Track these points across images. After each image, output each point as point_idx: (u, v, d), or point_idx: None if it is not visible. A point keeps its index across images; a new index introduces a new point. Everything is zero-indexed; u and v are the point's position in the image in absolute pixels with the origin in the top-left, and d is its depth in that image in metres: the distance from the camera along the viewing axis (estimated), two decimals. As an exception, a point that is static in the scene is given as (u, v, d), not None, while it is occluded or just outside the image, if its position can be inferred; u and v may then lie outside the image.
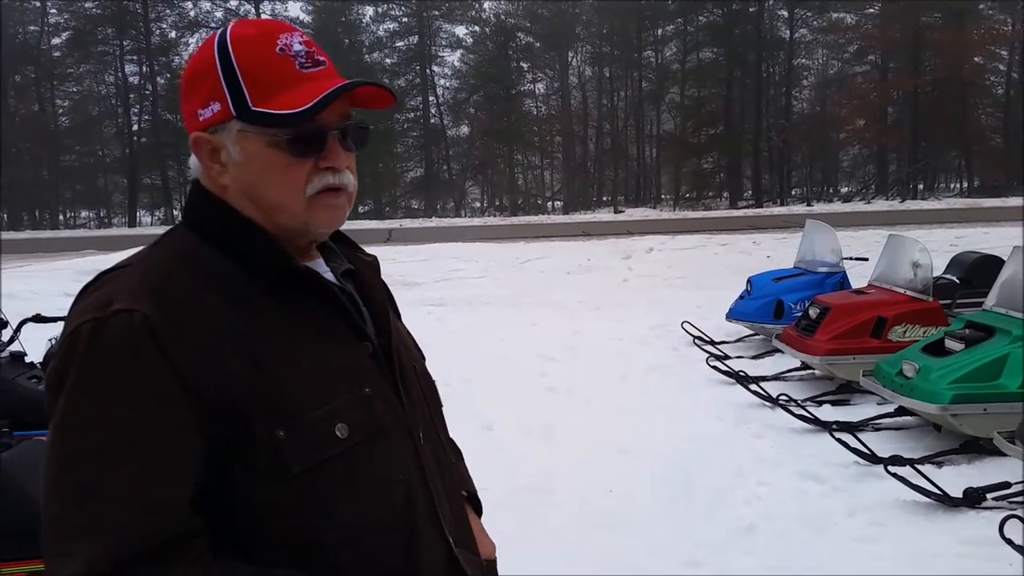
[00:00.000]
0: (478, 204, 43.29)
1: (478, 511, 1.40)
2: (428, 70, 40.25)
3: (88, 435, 0.94)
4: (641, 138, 42.09)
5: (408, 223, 31.98)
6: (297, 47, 1.08)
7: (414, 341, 1.37)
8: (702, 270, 14.23)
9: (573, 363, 7.66)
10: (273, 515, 1.00)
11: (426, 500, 1.14)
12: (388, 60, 39.66)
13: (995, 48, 36.81)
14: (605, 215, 33.07)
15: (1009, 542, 3.14)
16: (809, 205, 32.75)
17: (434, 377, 1.36)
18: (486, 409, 5.60)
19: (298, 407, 1.02)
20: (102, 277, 1.07)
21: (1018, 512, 3.69)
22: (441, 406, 1.36)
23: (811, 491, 4.36)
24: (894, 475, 4.02)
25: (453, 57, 41.45)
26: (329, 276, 1.17)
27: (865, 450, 4.61)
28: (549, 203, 41.08)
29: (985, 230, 17.05)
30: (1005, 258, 5.49)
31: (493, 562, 1.34)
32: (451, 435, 1.39)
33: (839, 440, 4.62)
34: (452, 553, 1.16)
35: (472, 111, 41.47)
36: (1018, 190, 34.15)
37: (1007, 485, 4.00)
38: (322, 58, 1.10)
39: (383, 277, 1.32)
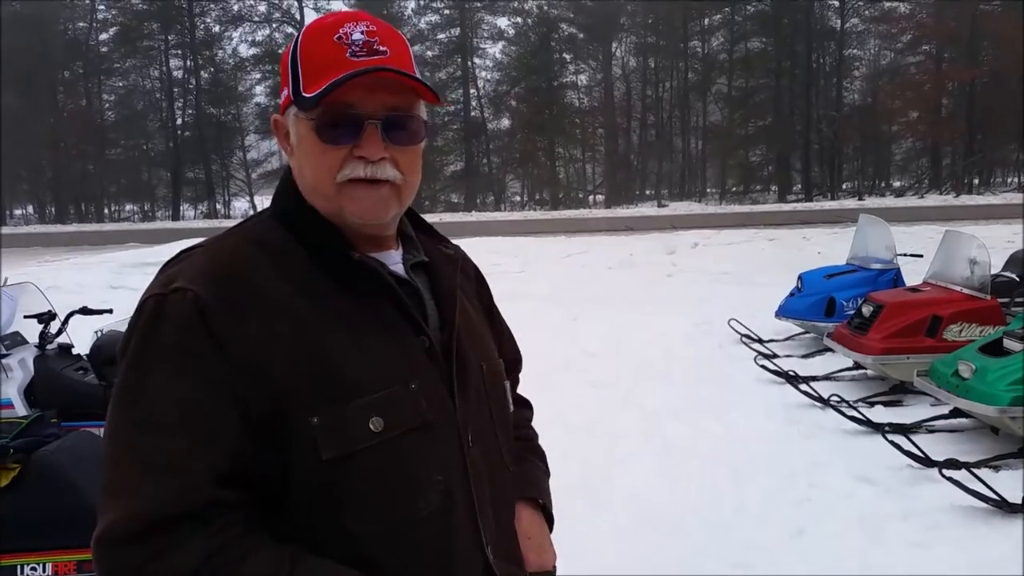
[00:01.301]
0: (518, 198, 43.04)
1: (549, 518, 1.36)
2: (469, 62, 40.12)
3: (135, 403, 0.99)
4: (686, 130, 41.55)
5: (448, 217, 32.00)
6: (357, 36, 1.08)
7: (505, 337, 1.36)
8: (749, 266, 13.97)
9: (616, 359, 7.57)
10: (308, 498, 1.02)
11: (466, 505, 1.12)
12: (429, 52, 39.60)
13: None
14: (648, 209, 32.75)
15: (951, 480, 3.01)
16: (860, 199, 32.05)
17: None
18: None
19: (338, 395, 1.03)
20: (180, 255, 1.11)
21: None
22: (508, 408, 1.31)
23: (863, 494, 4.24)
24: (949, 479, 3.89)
25: (495, 49, 41.33)
26: (398, 267, 1.17)
27: (919, 453, 4.47)
28: (591, 197, 40.79)
29: (1045, 226, 16.48)
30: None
31: (548, 573, 1.30)
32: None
33: (892, 442, 4.48)
34: (488, 564, 1.14)
35: (513, 103, 41.22)
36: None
37: (1069, 492, 3.84)
38: (383, 47, 1.09)
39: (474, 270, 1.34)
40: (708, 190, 41.53)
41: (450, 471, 1.10)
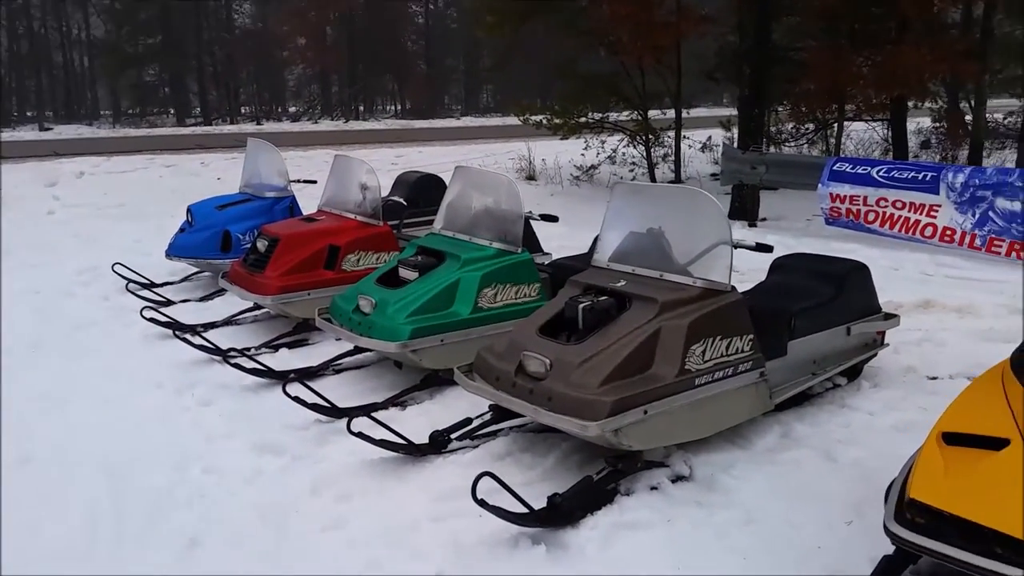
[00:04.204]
0: None
1: None
2: None
3: None
4: (67, 43, 36.06)
5: None
6: None
7: None
8: (145, 196, 12.42)
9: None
10: None
11: None
12: None
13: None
14: (29, 133, 27.63)
15: (482, 503, 2.81)
16: (259, 124, 31.91)
17: None
18: None
19: None
20: None
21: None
22: None
23: (268, 469, 3.62)
24: (357, 434, 3.49)
25: None
26: None
27: (325, 403, 4.03)
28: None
29: (419, 149, 18.33)
30: (447, 180, 5.37)
31: None
32: None
33: (294, 397, 3.95)
34: None
35: None
36: (439, 112, 38.40)
37: (468, 421, 3.79)
38: None
39: None
40: (101, 112, 37.05)
41: None
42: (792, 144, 14.76)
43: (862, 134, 15.48)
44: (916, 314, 5.72)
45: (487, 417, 3.79)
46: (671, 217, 3.78)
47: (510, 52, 17.59)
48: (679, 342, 3.34)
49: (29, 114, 35.09)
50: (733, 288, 3.59)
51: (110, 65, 35.09)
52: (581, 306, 3.54)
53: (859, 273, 4.46)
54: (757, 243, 3.78)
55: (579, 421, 3.10)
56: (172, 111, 36.07)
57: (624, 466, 3.30)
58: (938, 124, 16.01)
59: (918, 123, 16.63)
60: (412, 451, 3.63)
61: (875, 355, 4.58)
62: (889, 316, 4.60)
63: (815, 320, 4.13)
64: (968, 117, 15.04)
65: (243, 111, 38.31)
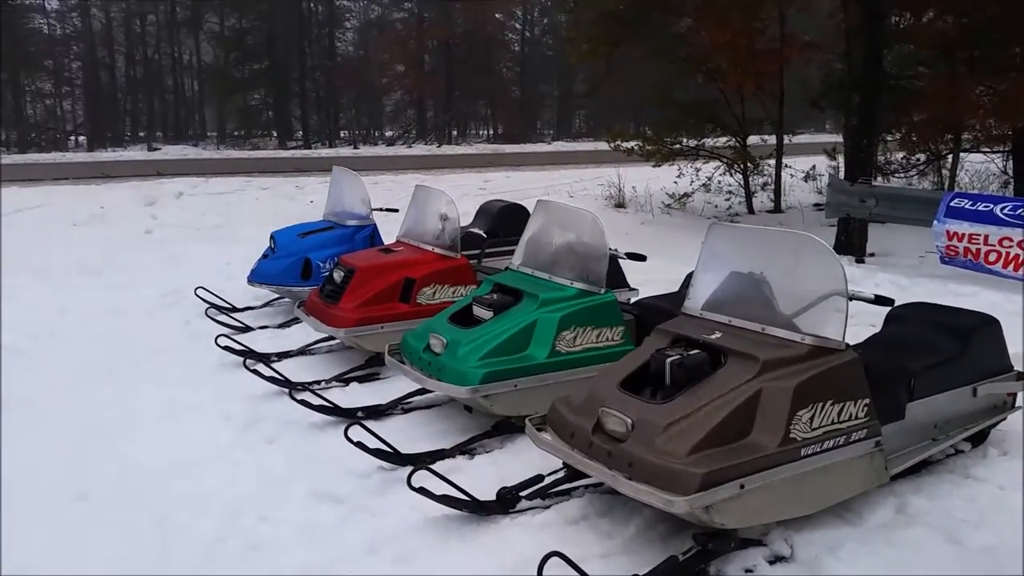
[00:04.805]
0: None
1: None
2: None
3: None
4: (178, 68, 37.91)
5: None
6: None
7: None
8: (240, 218, 12.64)
9: (45, 355, 5.78)
10: None
11: None
12: None
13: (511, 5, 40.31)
14: (137, 153, 29.02)
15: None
16: (356, 148, 32.61)
17: None
18: None
19: None
20: None
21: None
22: None
23: (324, 520, 3.38)
24: (419, 489, 3.21)
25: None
26: None
27: (388, 448, 3.78)
28: (71, 139, 34.93)
29: (508, 174, 18.20)
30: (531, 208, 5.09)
31: None
32: None
33: (356, 443, 3.71)
34: None
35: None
36: (530, 137, 38.45)
37: (540, 478, 3.46)
38: None
39: None
40: (208, 134, 38.67)
41: None
42: (902, 176, 13.90)
43: (978, 166, 14.47)
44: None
45: (560, 474, 3.46)
46: (776, 263, 3.38)
47: (603, 77, 17.30)
48: (783, 407, 2.93)
49: (141, 134, 36.90)
50: (848, 346, 3.16)
51: (218, 89, 36.66)
52: (669, 360, 3.17)
53: (989, 327, 3.93)
54: (876, 295, 3.33)
55: (664, 495, 2.73)
56: (275, 134, 37.30)
57: (716, 546, 2.91)
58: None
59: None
60: (477, 509, 3.33)
61: (1004, 419, 4.03)
62: (1022, 376, 4.04)
63: (938, 379, 3.64)
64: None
65: (342, 135, 39.27)
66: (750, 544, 3.02)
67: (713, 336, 3.29)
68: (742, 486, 2.80)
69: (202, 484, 3.72)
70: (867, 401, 3.16)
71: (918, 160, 13.79)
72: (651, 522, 3.24)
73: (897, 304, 4.07)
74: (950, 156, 13.06)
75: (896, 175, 13.81)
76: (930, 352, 3.71)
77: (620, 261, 5.10)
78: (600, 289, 4.28)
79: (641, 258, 4.67)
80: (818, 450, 3.01)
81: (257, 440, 4.26)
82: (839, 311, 3.13)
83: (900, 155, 13.94)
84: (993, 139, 12.03)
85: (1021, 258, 7.06)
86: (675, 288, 5.54)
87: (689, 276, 5.09)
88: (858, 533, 3.16)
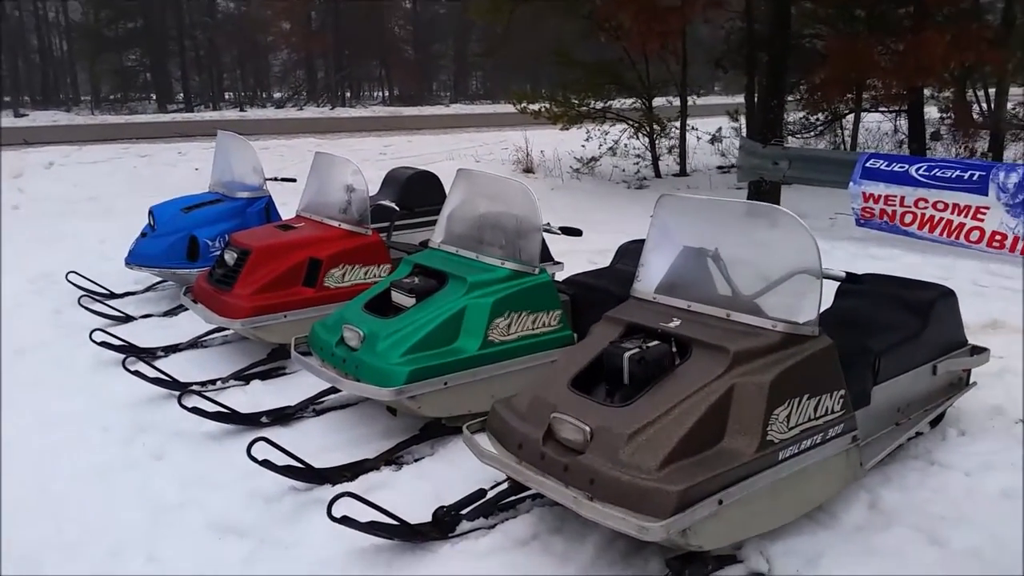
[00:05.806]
0: None
1: None
2: None
3: None
4: (44, 26, 34.79)
5: None
6: None
7: None
8: (117, 190, 11.53)
9: None
10: None
11: None
12: None
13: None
14: (2, 119, 26.48)
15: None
16: (242, 110, 30.85)
17: None
18: None
19: None
20: None
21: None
22: None
23: (227, 559, 2.83)
24: (341, 519, 2.71)
25: None
26: None
27: (300, 463, 3.25)
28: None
29: (408, 138, 17.43)
30: (443, 182, 4.58)
31: None
32: None
33: (261, 462, 3.16)
34: None
35: None
36: (428, 99, 37.45)
37: (483, 493, 3.02)
38: None
39: None
40: (81, 98, 35.85)
41: None
42: (800, 136, 14.03)
43: (871, 125, 14.76)
44: (985, 336, 4.95)
45: (505, 486, 3.03)
46: (738, 238, 3.02)
47: (503, 37, 16.73)
48: (759, 406, 2.58)
49: (6, 99, 33.81)
50: (822, 332, 2.83)
51: (88, 49, 33.87)
52: (628, 355, 2.76)
53: (946, 300, 3.71)
54: (848, 272, 3.02)
55: (636, 520, 2.33)
56: (153, 97, 34.88)
57: (691, 572, 2.55)
58: (945, 115, 15.27)
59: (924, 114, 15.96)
60: (411, 535, 2.86)
61: (961, 396, 3.85)
62: (978, 349, 3.86)
63: (901, 359, 3.39)
64: (975, 107, 14.38)
65: (226, 97, 37.17)
66: (726, 562, 2.68)
67: (672, 324, 2.90)
68: (720, 501, 2.44)
69: (74, 517, 3.10)
70: (843, 392, 2.85)
71: (818, 120, 13.93)
72: (609, 538, 2.85)
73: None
74: (849, 116, 13.21)
75: (796, 136, 13.92)
76: (890, 329, 3.46)
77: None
78: (534, 269, 3.83)
79: (577, 232, 4.24)
80: (796, 451, 2.68)
81: (141, 457, 3.64)
82: (813, 292, 2.80)
83: (799, 115, 14.04)
84: (891, 98, 12.19)
85: (936, 219, 7.06)
86: (602, 261, 5.16)
87: (622, 249, 4.73)
88: (836, 539, 2.87)
